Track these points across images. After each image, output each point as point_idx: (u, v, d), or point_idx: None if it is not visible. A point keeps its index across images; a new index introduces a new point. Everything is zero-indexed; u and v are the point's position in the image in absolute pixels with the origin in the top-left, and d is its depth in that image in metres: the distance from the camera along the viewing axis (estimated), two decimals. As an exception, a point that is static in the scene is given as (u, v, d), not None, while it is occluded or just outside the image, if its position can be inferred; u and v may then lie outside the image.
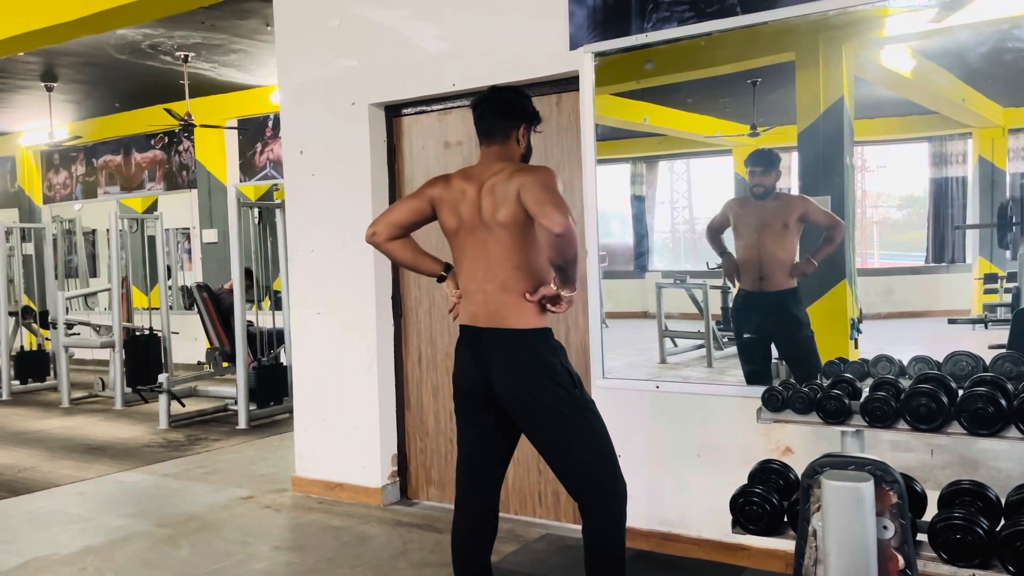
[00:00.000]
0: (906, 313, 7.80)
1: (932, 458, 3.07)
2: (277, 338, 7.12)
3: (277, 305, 8.01)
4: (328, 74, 4.52)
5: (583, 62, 3.72)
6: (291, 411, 6.93)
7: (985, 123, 8.32)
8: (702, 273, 8.29)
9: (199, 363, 9.45)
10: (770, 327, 4.32)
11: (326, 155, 4.57)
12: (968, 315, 9.11)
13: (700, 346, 7.07)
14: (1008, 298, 9.02)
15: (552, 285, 2.48)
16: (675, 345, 6.30)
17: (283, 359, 7.09)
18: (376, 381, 4.46)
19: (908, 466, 3.08)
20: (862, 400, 2.73)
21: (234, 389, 6.86)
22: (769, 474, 2.85)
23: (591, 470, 2.52)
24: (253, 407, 6.75)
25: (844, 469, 1.49)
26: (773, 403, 2.91)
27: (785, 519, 2.64)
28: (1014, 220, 6.42)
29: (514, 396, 2.51)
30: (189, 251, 11.45)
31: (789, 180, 6.26)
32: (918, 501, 2.67)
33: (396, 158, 4.50)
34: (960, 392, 2.65)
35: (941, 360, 3.28)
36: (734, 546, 3.46)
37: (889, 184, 7.00)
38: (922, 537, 2.45)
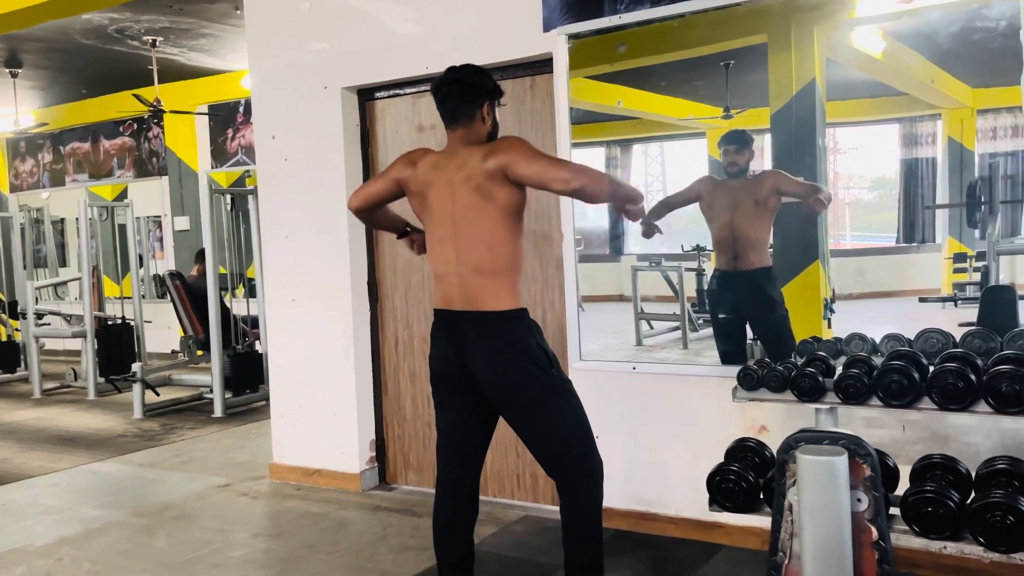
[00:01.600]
0: (878, 293, 7.89)
1: (904, 434, 3.12)
2: (252, 325, 7.07)
3: (251, 292, 7.96)
4: (300, 58, 4.47)
5: (556, 44, 3.71)
6: (267, 399, 6.90)
7: (954, 104, 8.41)
8: (677, 256, 8.34)
9: (173, 352, 9.37)
10: (745, 306, 4.35)
11: (299, 140, 4.53)
12: (938, 294, 9.24)
13: (675, 328, 7.12)
14: (978, 277, 9.13)
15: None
16: (651, 327, 6.33)
17: (258, 346, 7.04)
18: (353, 367, 4.45)
19: (881, 442, 3.12)
20: (836, 378, 2.76)
21: (209, 377, 6.81)
22: (745, 452, 2.88)
23: (568, 450, 2.53)
24: (228, 395, 6.71)
25: (819, 444, 1.51)
26: (748, 382, 2.93)
27: (761, 496, 2.66)
28: (983, 199, 6.51)
29: (492, 378, 2.51)
30: (160, 239, 11.32)
31: (762, 162, 6.30)
32: (890, 475, 2.70)
33: (370, 142, 4.47)
34: (931, 368, 2.70)
35: (912, 338, 3.33)
36: (711, 524, 3.50)
37: (861, 165, 7.04)
38: (895, 511, 2.49)
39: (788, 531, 1.54)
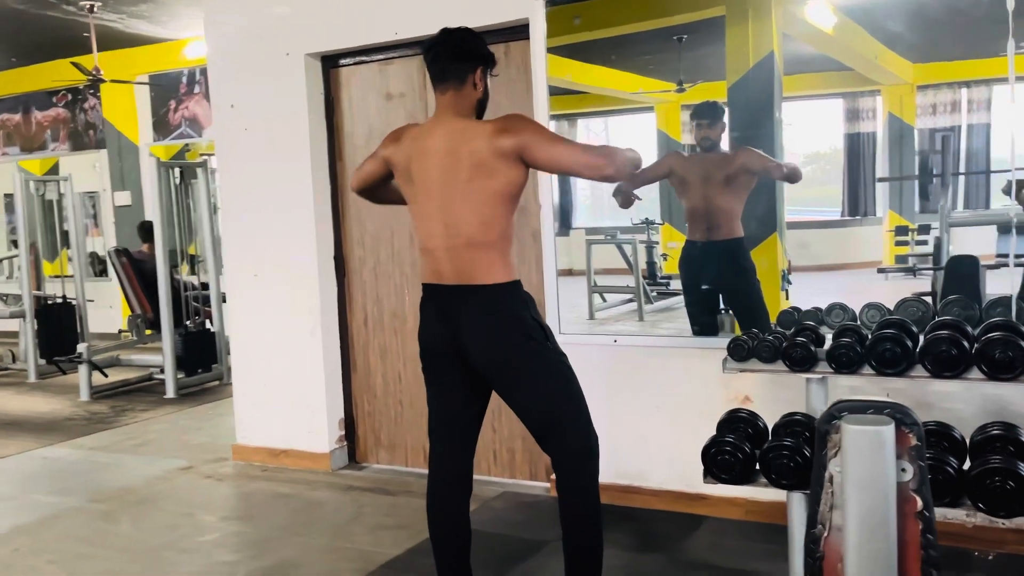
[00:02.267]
0: (823, 266, 8.00)
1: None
2: (204, 303, 6.84)
3: (194, 270, 7.70)
4: (260, 23, 4.29)
5: (534, 9, 3.62)
6: (221, 378, 6.74)
7: (895, 80, 8.56)
8: (627, 229, 8.36)
9: (120, 332, 9.05)
10: (719, 277, 4.34)
11: (260, 109, 4.35)
12: (880, 266, 9.42)
13: (629, 301, 7.12)
14: (920, 249, 9.32)
15: None
16: (604, 300, 6.31)
17: (209, 325, 6.83)
18: (320, 344, 4.32)
19: (865, 411, 3.15)
20: (828, 347, 2.76)
21: (159, 357, 6.58)
22: (737, 423, 2.85)
23: (565, 425, 2.47)
24: (181, 375, 6.49)
25: (863, 413, 1.47)
26: (739, 353, 2.91)
27: (757, 467, 2.65)
28: (935, 172, 6.61)
29: (485, 353, 2.43)
30: (95, 216, 10.88)
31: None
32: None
33: (335, 111, 4.31)
34: (922, 337, 2.71)
35: (892, 308, 3.34)
36: (694, 496, 3.49)
37: (804, 140, 7.10)
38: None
39: (828, 503, 1.50)
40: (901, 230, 9.05)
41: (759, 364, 2.89)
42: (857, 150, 9.71)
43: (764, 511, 3.35)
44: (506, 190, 2.40)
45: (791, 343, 2.82)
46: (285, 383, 4.43)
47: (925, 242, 9.52)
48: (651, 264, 7.46)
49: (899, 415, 1.45)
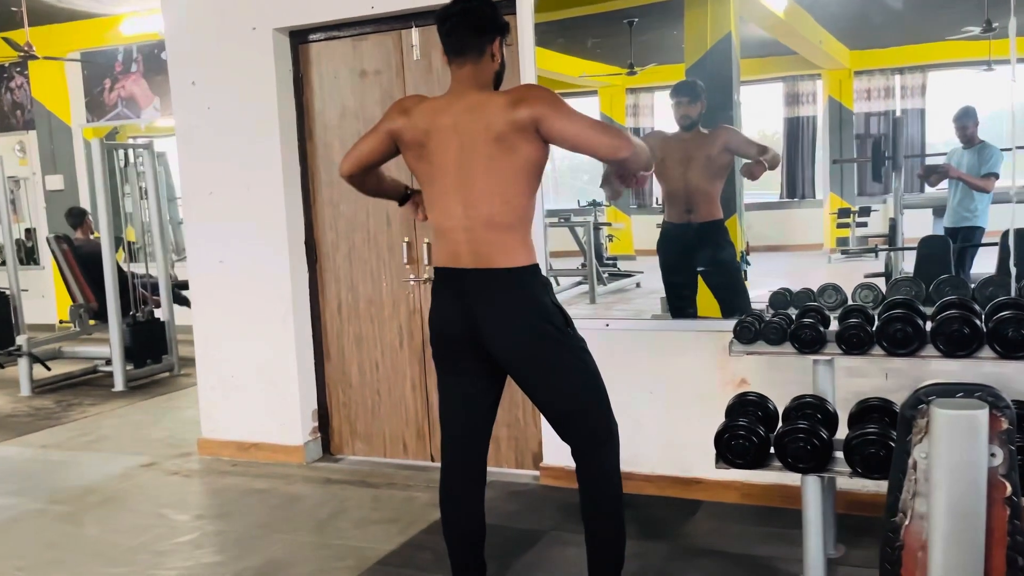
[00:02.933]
0: (766, 247, 8.09)
1: (887, 382, 3.14)
2: (152, 291, 6.54)
3: (132, 256, 7.33)
4: (223, -5, 4.07)
5: (521, -17, 3.49)
6: (172, 369, 6.47)
7: (835, 64, 8.67)
8: (573, 211, 8.28)
9: (61, 322, 8.62)
10: (699, 258, 4.32)
11: (224, 86, 4.13)
12: (821, 248, 9.55)
13: (580, 283, 7.07)
14: (860, 231, 9.45)
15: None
16: (557, 284, 6.24)
17: (159, 314, 6.54)
18: (292, 332, 4.14)
19: (862, 391, 3.14)
20: (839, 328, 2.73)
21: (105, 349, 6.28)
22: (747, 407, 2.82)
23: (587, 414, 2.39)
24: (130, 367, 6.20)
25: (952, 396, 1.42)
26: (746, 335, 2.87)
27: (772, 450, 2.61)
28: (887, 155, 6.69)
29: (503, 340, 2.33)
30: (14, 201, 10.33)
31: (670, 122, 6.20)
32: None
33: (304, 89, 4.12)
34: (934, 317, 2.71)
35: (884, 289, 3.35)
36: (689, 480, 3.46)
37: (745, 123, 7.20)
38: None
39: (911, 491, 1.45)
40: (843, 212, 9.22)
41: (766, 347, 2.85)
42: (797, 133, 9.85)
43: (760, 494, 3.34)
44: (526, 167, 2.30)
45: (800, 324, 2.79)
46: (254, 374, 4.25)
47: (865, 224, 9.71)
48: (598, 245, 7.44)
49: (991, 398, 1.40)
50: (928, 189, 5.74)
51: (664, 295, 5.15)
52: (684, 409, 3.45)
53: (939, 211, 5.38)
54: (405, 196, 2.71)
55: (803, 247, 8.45)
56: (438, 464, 4.03)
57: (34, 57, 7.37)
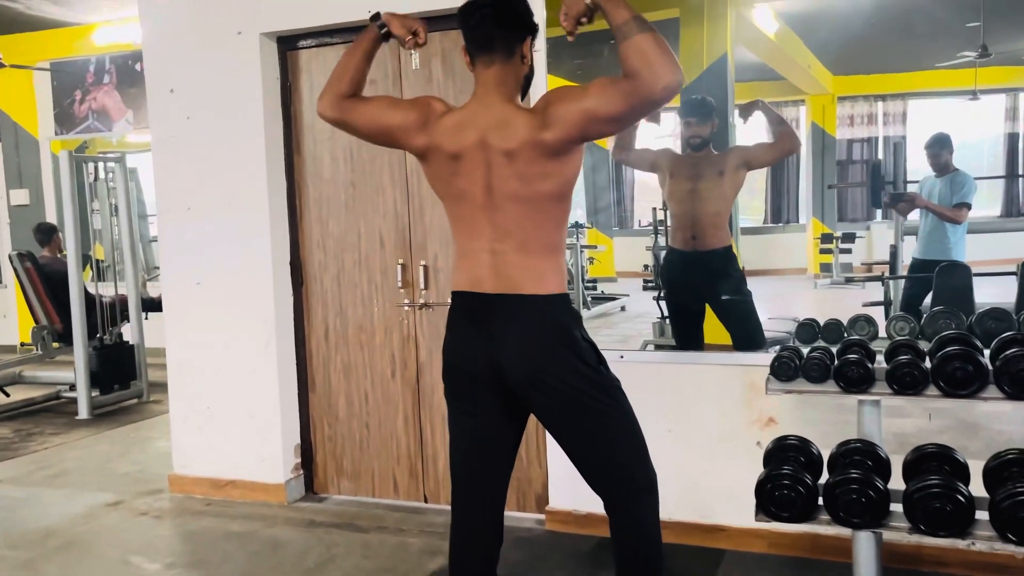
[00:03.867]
0: (751, 272, 7.89)
1: (930, 423, 2.89)
2: (121, 312, 6.18)
3: (99, 275, 6.95)
4: (207, -3, 3.78)
5: (533, -12, 3.24)
6: (141, 396, 6.10)
7: (819, 90, 8.55)
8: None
9: (23, 345, 8.19)
10: (705, 289, 4.07)
11: (205, 95, 3.83)
12: (805, 272, 9.38)
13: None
14: (844, 257, 9.28)
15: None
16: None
17: (128, 336, 6.17)
18: (275, 360, 3.83)
19: (904, 431, 2.90)
20: (890, 366, 2.48)
21: (70, 374, 5.90)
22: (788, 452, 2.56)
23: (624, 463, 2.11)
24: (95, 393, 5.83)
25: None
26: (785, 371, 2.61)
27: (820, 501, 2.35)
28: (887, 180, 6.50)
29: (530, 377, 2.04)
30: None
31: (673, 139, 6.05)
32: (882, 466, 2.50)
33: (293, 99, 3.84)
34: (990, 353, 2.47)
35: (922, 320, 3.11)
36: (711, 527, 3.18)
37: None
38: (896, 507, 2.26)
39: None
40: (826, 238, 9.06)
41: (807, 385, 2.59)
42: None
43: (790, 544, 3.07)
44: (559, 188, 2.04)
45: (845, 361, 2.53)
46: (233, 405, 3.92)
47: (849, 250, 9.55)
48: (580, 268, 7.21)
49: None
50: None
51: (656, 320, 4.91)
52: (705, 450, 3.18)
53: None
54: (381, 28, 2.33)
55: (787, 272, 8.28)
56: (432, 505, 3.77)
57: (1, 65, 7.01)
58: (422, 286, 3.65)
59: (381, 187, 3.69)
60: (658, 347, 4.86)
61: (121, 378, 6.02)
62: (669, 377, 3.27)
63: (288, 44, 3.81)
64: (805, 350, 2.74)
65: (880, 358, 2.64)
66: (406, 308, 3.70)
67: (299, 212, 3.87)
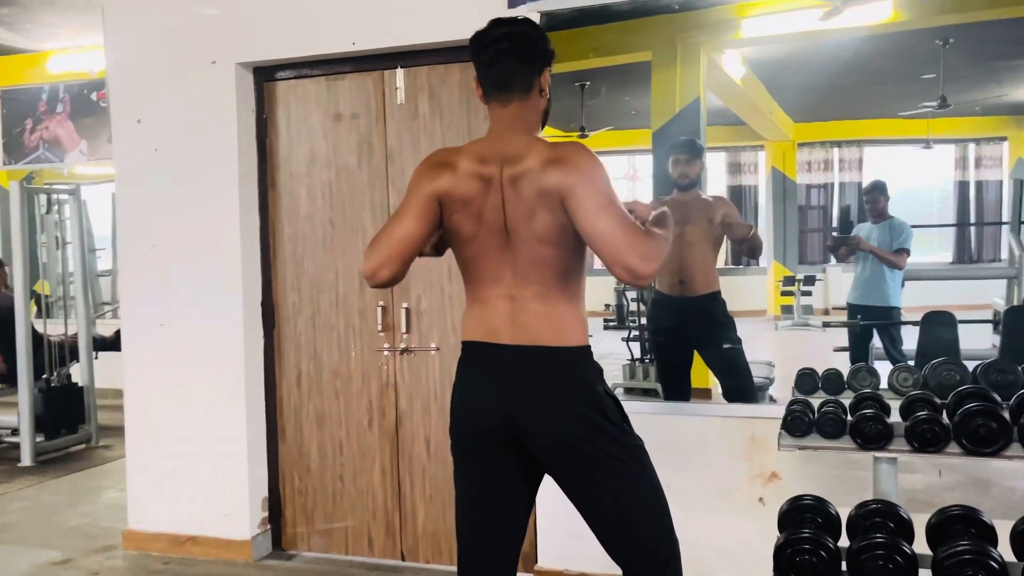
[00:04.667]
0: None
1: (940, 479, 2.79)
2: (71, 352, 5.86)
3: (43, 311, 6.59)
4: (180, 24, 3.60)
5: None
6: (90, 440, 5.76)
7: (779, 136, 8.65)
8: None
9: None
10: (695, 335, 3.97)
11: (175, 126, 3.64)
12: (765, 314, 9.40)
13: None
14: (805, 300, 9.32)
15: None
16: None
17: (77, 378, 5.84)
18: (243, 407, 3.60)
19: (913, 488, 2.79)
20: (909, 422, 2.37)
21: (13, 417, 5.55)
22: (804, 513, 2.42)
23: (649, 532, 1.94)
24: (40, 438, 5.48)
25: None
26: (798, 427, 2.48)
27: (843, 567, 2.21)
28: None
29: (549, 437, 1.88)
30: None
31: (632, 184, 6.02)
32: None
33: (269, 132, 3.66)
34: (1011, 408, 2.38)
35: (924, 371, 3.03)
36: (711, 589, 3.02)
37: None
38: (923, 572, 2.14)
39: None
40: (788, 280, 9.09)
41: (822, 440, 2.47)
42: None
43: (795, 606, 2.91)
44: (567, 230, 1.87)
45: (862, 417, 2.42)
46: (196, 455, 3.67)
47: (810, 292, 9.58)
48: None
49: None
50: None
51: (626, 363, 4.78)
52: (704, 507, 3.03)
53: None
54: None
55: (748, 314, 8.27)
56: (410, 564, 3.54)
57: (-52, 91, 6.70)
58: (403, 330, 3.47)
59: (361, 226, 3.52)
60: (628, 391, 4.74)
61: (68, 422, 5.69)
62: (665, 428, 3.11)
63: (265, 75, 3.64)
64: (815, 403, 2.64)
65: (895, 412, 2.54)
66: (386, 353, 3.52)
67: (273, 250, 3.68)
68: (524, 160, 1.89)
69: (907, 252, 4.60)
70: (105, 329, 6.64)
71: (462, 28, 3.17)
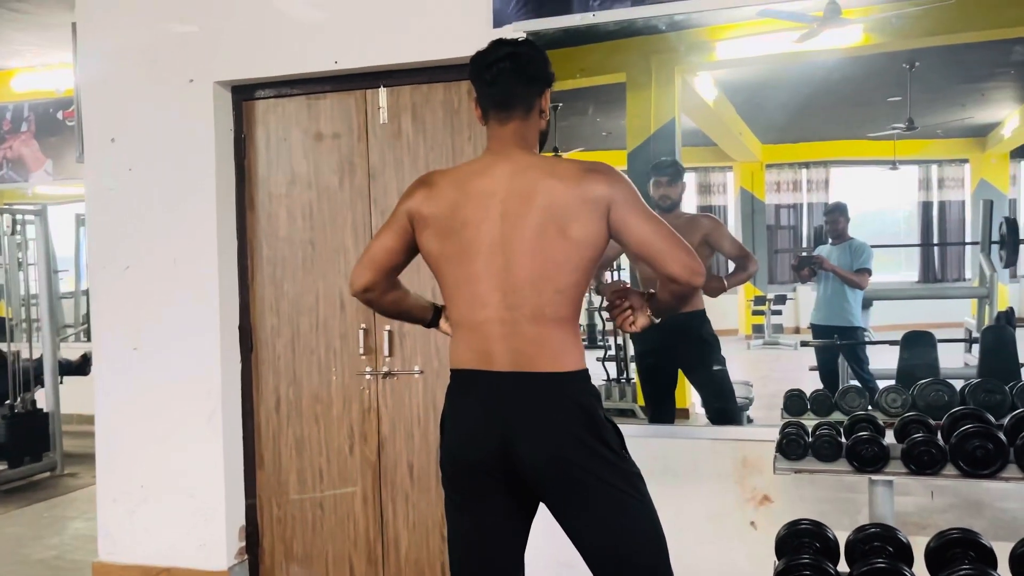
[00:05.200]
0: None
1: (933, 501, 2.78)
2: (35, 377, 5.69)
3: (6, 335, 6.44)
4: (156, 41, 3.52)
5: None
6: (55, 468, 5.59)
7: (747, 157, 8.73)
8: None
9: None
10: (680, 355, 3.94)
11: (151, 145, 3.55)
12: (737, 333, 9.44)
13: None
14: (775, 319, 9.40)
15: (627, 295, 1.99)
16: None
17: (42, 403, 5.67)
18: (220, 434, 3.49)
19: (906, 511, 2.77)
20: (906, 445, 2.36)
21: (-27, 444, 5.37)
22: (802, 537, 2.40)
23: (646, 564, 1.89)
24: (2, 467, 5.31)
25: None
26: (794, 449, 2.47)
27: (844, 594, 2.19)
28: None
29: (554, 469, 1.82)
30: None
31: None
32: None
33: (247, 152, 3.59)
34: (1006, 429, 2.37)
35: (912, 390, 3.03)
36: (703, 615, 2.97)
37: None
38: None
39: None
40: (759, 300, 9.15)
41: (818, 463, 2.46)
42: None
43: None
44: (589, 248, 1.85)
45: (858, 439, 2.40)
46: (170, 483, 3.55)
47: (780, 312, 9.64)
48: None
49: None
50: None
51: (603, 382, 4.74)
52: (693, 532, 2.98)
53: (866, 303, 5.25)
54: (437, 312, 2.19)
55: (721, 333, 8.31)
56: (395, 596, 3.46)
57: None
58: (386, 353, 3.40)
59: (343, 247, 3.45)
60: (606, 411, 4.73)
61: (33, 449, 5.51)
62: (653, 451, 3.08)
63: (244, 94, 3.57)
64: (808, 425, 2.62)
65: (889, 434, 2.53)
66: (368, 377, 3.44)
67: (251, 272, 3.59)
68: (542, 172, 1.87)
69: (868, 272, 4.64)
70: (70, 353, 6.47)
71: (446, 47, 3.18)
